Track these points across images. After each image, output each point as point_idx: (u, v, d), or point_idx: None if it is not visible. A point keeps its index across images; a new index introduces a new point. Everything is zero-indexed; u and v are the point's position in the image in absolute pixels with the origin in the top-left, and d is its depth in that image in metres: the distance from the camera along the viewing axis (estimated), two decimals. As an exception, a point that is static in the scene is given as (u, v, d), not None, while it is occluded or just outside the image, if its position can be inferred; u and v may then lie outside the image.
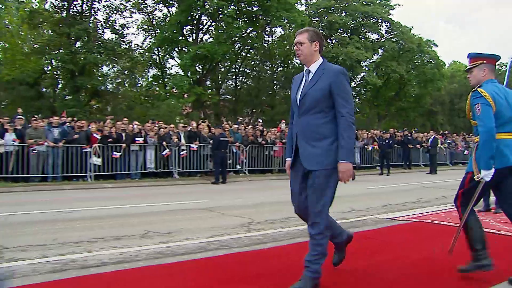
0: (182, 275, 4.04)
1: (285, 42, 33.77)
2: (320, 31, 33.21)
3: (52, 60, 27.08)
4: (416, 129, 27.05)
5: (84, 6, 25.80)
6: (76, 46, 24.86)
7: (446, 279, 3.91)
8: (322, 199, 3.48)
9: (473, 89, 3.92)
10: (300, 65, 33.36)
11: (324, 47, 3.79)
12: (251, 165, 16.73)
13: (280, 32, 33.79)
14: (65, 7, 25.00)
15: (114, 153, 13.95)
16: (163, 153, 14.68)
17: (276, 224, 6.93)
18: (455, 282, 3.83)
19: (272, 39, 34.92)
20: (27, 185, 12.54)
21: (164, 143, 14.68)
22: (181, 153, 15.04)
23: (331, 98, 3.52)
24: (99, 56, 24.64)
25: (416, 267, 4.26)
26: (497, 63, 4.15)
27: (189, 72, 25.41)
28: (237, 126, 17.65)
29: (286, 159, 3.92)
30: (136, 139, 14.36)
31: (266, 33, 32.78)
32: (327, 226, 3.57)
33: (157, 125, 15.81)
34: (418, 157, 23.40)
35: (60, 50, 24.67)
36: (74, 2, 25.19)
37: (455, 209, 4.12)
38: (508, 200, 3.91)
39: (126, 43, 27.80)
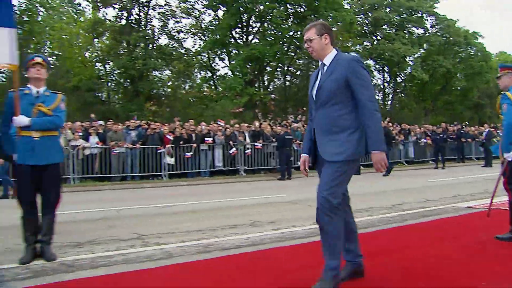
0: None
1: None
2: (365, 28, 33.39)
3: (106, 66, 28.74)
4: (467, 122, 27.07)
5: (141, 14, 27.16)
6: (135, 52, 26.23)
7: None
8: (336, 185, 3.45)
9: (502, 92, 5.10)
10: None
11: (335, 38, 3.69)
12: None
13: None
14: (124, 16, 26.44)
15: (186, 153, 14.93)
16: (231, 151, 15.55)
17: (363, 212, 7.59)
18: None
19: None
20: (112, 184, 13.68)
21: (230, 142, 15.57)
22: (246, 151, 15.92)
23: (348, 88, 3.43)
24: (157, 61, 25.87)
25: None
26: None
27: (241, 74, 26.28)
28: (296, 124, 18.38)
29: (302, 155, 3.86)
30: (206, 139, 15.32)
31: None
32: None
33: (221, 125, 16.74)
34: (471, 150, 23.52)
35: (120, 57, 26.13)
36: (132, 11, 26.56)
37: None
38: None
39: (181, 47, 29.03)
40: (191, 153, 15.00)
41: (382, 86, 38.01)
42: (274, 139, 16.17)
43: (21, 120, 4.61)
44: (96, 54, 28.74)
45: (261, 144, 16.09)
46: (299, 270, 4.15)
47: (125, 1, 25.74)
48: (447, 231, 5.83)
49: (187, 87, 32.64)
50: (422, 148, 21.60)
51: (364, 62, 3.76)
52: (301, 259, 4.54)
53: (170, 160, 14.76)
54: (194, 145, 15.07)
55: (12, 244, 5.48)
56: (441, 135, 20.21)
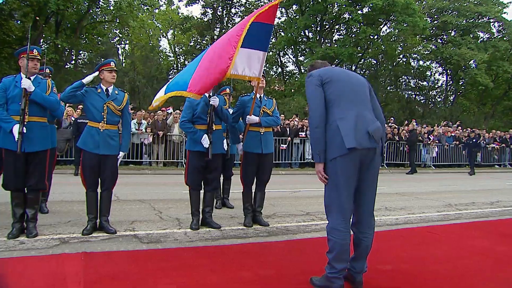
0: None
1: (392, 40, 34.37)
2: (431, 31, 33.74)
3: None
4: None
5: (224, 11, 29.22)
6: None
7: None
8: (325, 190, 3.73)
9: None
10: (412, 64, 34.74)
11: None
12: (388, 159, 18.92)
13: (386, 31, 34.37)
14: (209, 12, 28.54)
15: (282, 145, 16.65)
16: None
17: (470, 206, 9.12)
18: None
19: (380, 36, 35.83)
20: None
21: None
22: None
23: None
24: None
25: None
26: None
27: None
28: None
29: None
30: (300, 133, 16.99)
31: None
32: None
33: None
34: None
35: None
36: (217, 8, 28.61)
37: None
38: None
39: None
40: (285, 145, 16.71)
41: (444, 88, 38.73)
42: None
43: (253, 118, 6.39)
44: (182, 49, 30.90)
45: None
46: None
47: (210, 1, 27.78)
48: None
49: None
50: (489, 153, 22.59)
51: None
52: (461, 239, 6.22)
53: (267, 151, 16.48)
54: (289, 138, 16.78)
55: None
56: (474, 140, 20.70)
